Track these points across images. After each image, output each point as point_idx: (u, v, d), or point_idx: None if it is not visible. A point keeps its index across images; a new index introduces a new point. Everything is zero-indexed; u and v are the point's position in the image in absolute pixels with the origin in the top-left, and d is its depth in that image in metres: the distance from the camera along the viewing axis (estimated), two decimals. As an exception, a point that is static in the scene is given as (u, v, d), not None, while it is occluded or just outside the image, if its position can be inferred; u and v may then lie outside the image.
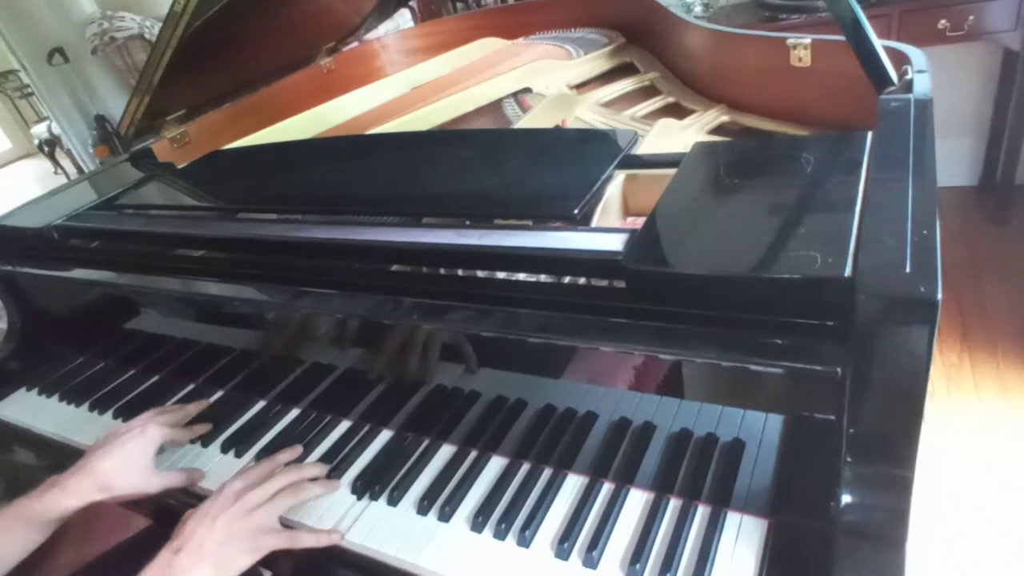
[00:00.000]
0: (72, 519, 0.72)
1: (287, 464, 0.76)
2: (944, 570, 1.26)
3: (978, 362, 1.70)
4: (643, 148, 0.95)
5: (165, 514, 0.83)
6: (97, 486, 0.72)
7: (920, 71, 0.75)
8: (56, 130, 4.01)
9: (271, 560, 0.77)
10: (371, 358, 0.78)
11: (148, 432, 0.77)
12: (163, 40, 1.04)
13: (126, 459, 0.74)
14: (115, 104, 3.27)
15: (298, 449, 0.79)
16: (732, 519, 0.62)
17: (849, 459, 0.51)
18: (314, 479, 0.74)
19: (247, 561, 0.63)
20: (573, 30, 1.54)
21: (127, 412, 0.95)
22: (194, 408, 0.87)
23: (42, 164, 5.37)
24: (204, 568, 0.61)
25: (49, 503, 0.70)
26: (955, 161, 2.34)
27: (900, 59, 0.80)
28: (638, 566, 0.59)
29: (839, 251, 0.50)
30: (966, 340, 1.77)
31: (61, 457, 0.95)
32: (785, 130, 1.01)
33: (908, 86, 0.73)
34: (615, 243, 0.62)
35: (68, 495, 0.71)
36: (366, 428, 0.82)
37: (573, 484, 0.70)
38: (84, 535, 0.87)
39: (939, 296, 0.43)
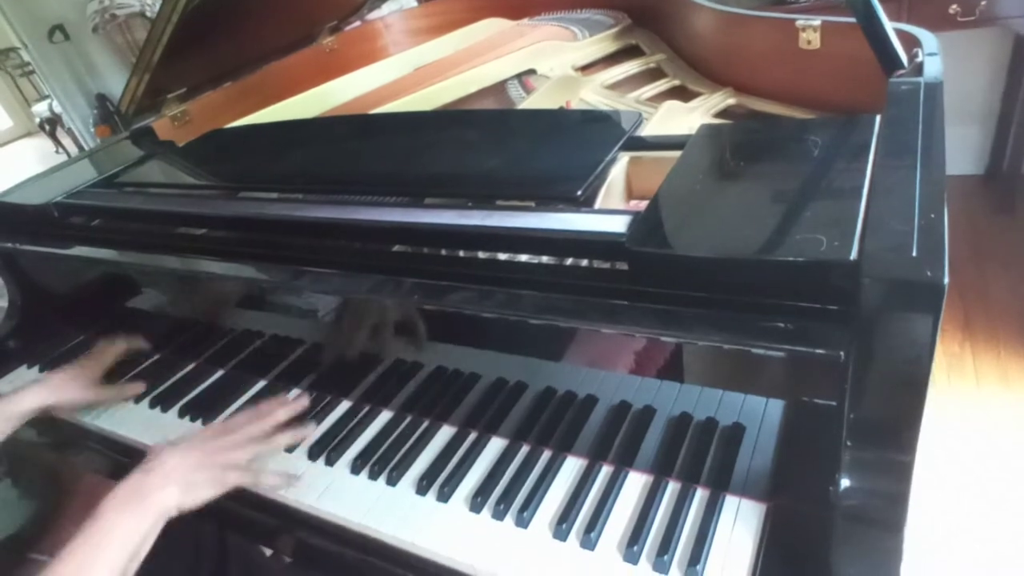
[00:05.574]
0: (75, 494, 0.76)
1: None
2: (944, 556, 1.27)
3: (979, 351, 1.70)
4: (648, 130, 0.94)
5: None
6: (50, 391, 0.89)
7: (931, 54, 0.74)
8: (57, 109, 3.99)
9: (272, 538, 0.77)
10: (370, 339, 0.78)
11: (94, 356, 0.94)
12: (163, 17, 1.03)
13: (75, 373, 0.91)
14: (116, 82, 3.26)
15: (285, 400, 0.81)
16: (731, 502, 0.62)
17: (849, 443, 0.51)
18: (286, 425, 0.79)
19: (211, 492, 0.69)
20: (578, 11, 1.52)
21: (128, 390, 0.95)
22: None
23: (43, 143, 5.36)
24: (171, 489, 0.67)
25: (13, 401, 0.87)
26: (962, 150, 2.32)
27: (910, 42, 0.79)
28: (635, 547, 0.59)
29: (845, 234, 0.50)
30: (968, 329, 1.76)
31: (62, 435, 0.95)
32: (792, 113, 0.99)
33: (918, 69, 0.72)
34: (618, 225, 0.61)
35: (29, 396, 0.87)
36: (366, 408, 0.82)
37: (572, 466, 0.70)
38: (86, 512, 0.89)
39: (946, 280, 0.43)
